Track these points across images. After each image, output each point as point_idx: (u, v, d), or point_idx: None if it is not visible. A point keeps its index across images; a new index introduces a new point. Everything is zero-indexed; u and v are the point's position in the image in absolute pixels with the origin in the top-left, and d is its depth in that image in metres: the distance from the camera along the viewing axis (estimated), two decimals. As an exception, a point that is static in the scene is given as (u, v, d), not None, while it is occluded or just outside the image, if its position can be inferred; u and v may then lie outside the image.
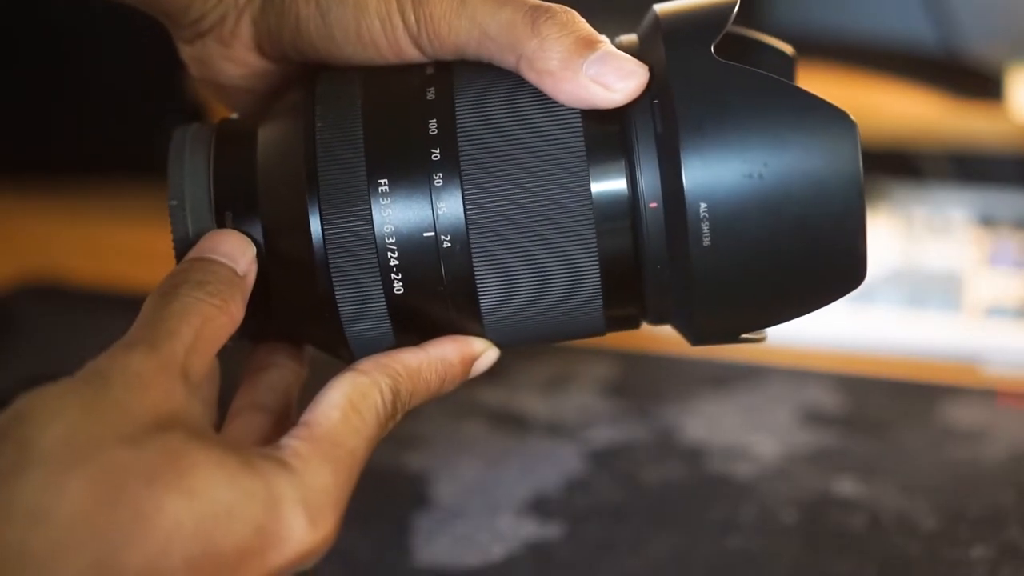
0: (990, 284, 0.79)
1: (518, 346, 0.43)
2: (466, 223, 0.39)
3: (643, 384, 0.71)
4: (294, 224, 0.40)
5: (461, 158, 0.39)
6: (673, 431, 0.66)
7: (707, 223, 0.38)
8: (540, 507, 0.59)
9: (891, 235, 0.83)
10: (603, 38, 0.41)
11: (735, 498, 0.59)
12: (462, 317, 0.41)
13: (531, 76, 0.40)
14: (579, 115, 0.39)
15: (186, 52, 0.46)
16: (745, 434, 0.65)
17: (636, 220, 0.39)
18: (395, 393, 0.41)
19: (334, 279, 0.40)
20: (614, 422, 0.66)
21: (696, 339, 0.42)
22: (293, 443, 0.38)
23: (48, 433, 0.33)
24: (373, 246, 0.40)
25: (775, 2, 1.03)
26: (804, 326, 0.78)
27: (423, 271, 0.40)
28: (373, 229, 0.39)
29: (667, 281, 0.40)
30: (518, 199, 0.39)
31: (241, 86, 0.46)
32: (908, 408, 0.68)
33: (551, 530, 0.57)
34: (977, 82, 0.93)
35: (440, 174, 0.39)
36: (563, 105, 0.40)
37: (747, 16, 1.11)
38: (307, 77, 0.42)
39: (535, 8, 0.40)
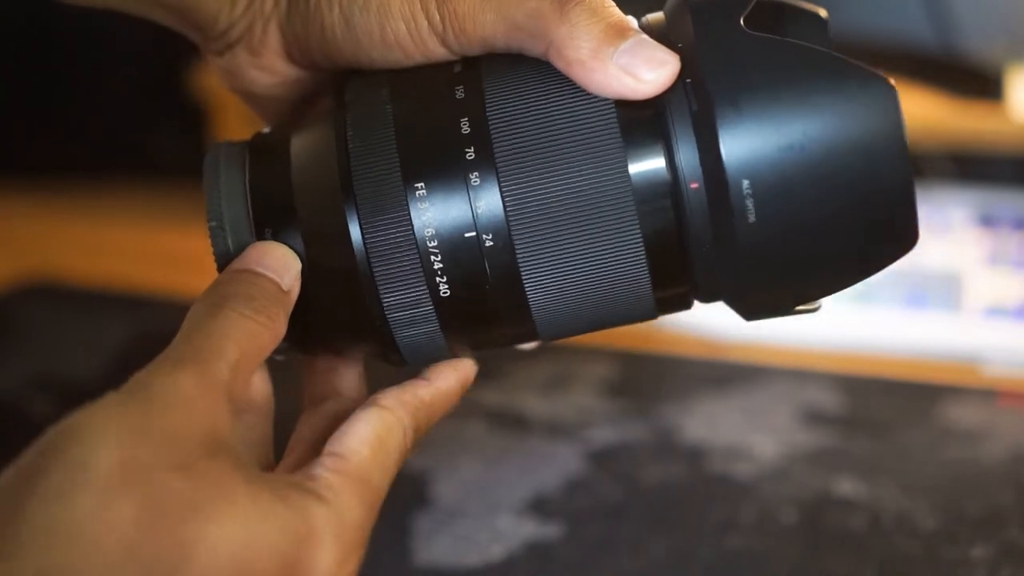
0: (990, 284, 0.79)
1: (569, 336, 0.43)
2: (507, 219, 0.39)
3: (643, 384, 0.71)
4: (334, 236, 0.40)
5: (496, 155, 0.39)
6: (673, 431, 0.66)
7: (751, 199, 0.37)
8: (540, 507, 0.59)
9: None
10: (634, 23, 0.40)
11: (735, 498, 0.59)
12: (510, 313, 0.41)
13: (560, 64, 0.39)
14: (612, 101, 0.39)
15: (217, 64, 0.46)
16: (745, 434, 0.65)
17: (678, 201, 0.39)
18: (415, 430, 0.41)
19: (380, 288, 0.40)
20: (614, 422, 0.66)
21: (749, 315, 0.42)
22: (326, 475, 0.38)
23: (98, 456, 0.33)
24: (416, 251, 0.40)
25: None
26: (804, 326, 0.78)
27: (468, 271, 0.40)
28: (414, 234, 0.39)
29: (715, 259, 0.40)
30: (557, 191, 0.39)
31: (274, 95, 0.46)
32: (908, 408, 0.68)
33: (551, 530, 0.57)
34: (977, 82, 0.93)
35: (476, 173, 0.39)
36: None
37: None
38: (335, 85, 0.42)
39: None
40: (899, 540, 0.56)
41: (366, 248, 0.40)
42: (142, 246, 0.97)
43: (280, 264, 0.40)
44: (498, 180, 0.39)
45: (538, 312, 0.41)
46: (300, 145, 0.42)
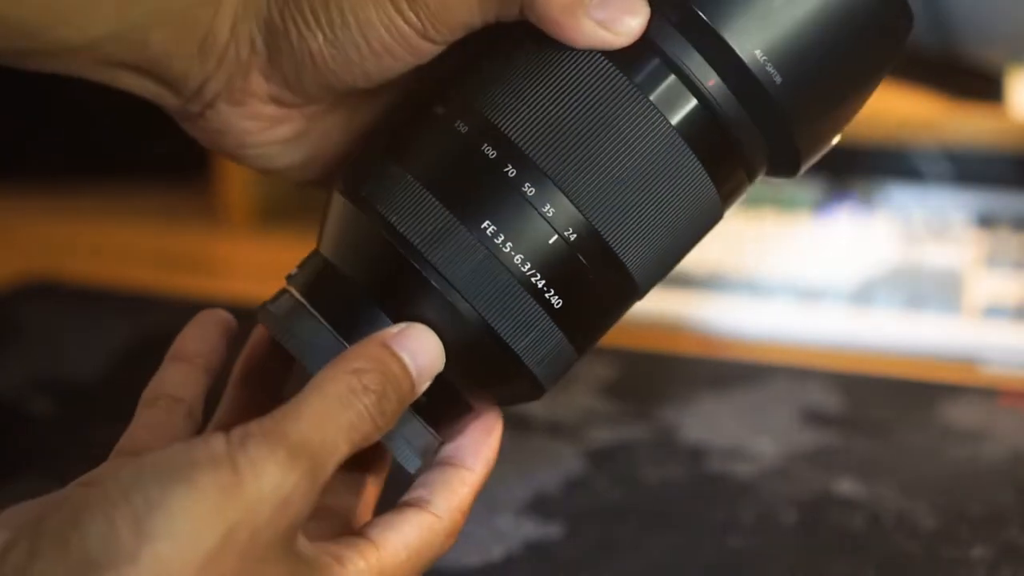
0: (989, 284, 0.79)
1: (663, 278, 0.44)
2: (576, 207, 0.40)
3: (643, 384, 0.71)
4: (437, 316, 0.40)
5: (533, 157, 0.40)
6: (673, 431, 0.66)
7: (770, 64, 0.40)
8: (540, 507, 0.59)
9: (890, 235, 0.83)
10: None
11: (735, 498, 0.59)
12: (616, 285, 0.42)
13: (533, 19, 0.40)
14: (602, 55, 0.40)
15: (202, 128, 0.45)
16: (745, 434, 0.65)
17: (707, 104, 0.41)
18: (458, 530, 0.42)
19: (508, 339, 0.40)
20: (614, 422, 0.66)
21: (798, 168, 0.44)
22: (361, 565, 0.39)
23: (190, 553, 0.34)
24: (518, 286, 0.40)
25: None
26: (804, 326, 0.78)
27: (569, 273, 0.40)
28: (508, 271, 0.40)
29: (758, 135, 0.42)
30: (603, 156, 0.40)
31: (268, 140, 0.45)
32: (908, 408, 0.68)
33: (551, 530, 0.57)
34: (976, 82, 0.93)
35: (527, 183, 0.40)
36: (580, 51, 0.40)
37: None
38: (339, 190, 0.42)
39: None
40: (899, 540, 0.56)
41: (475, 308, 0.40)
42: (142, 246, 0.97)
43: (428, 366, 0.40)
44: (549, 177, 0.40)
45: (637, 272, 0.42)
46: (347, 258, 0.42)
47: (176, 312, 0.81)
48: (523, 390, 0.43)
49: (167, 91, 0.44)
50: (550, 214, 0.40)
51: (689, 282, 0.82)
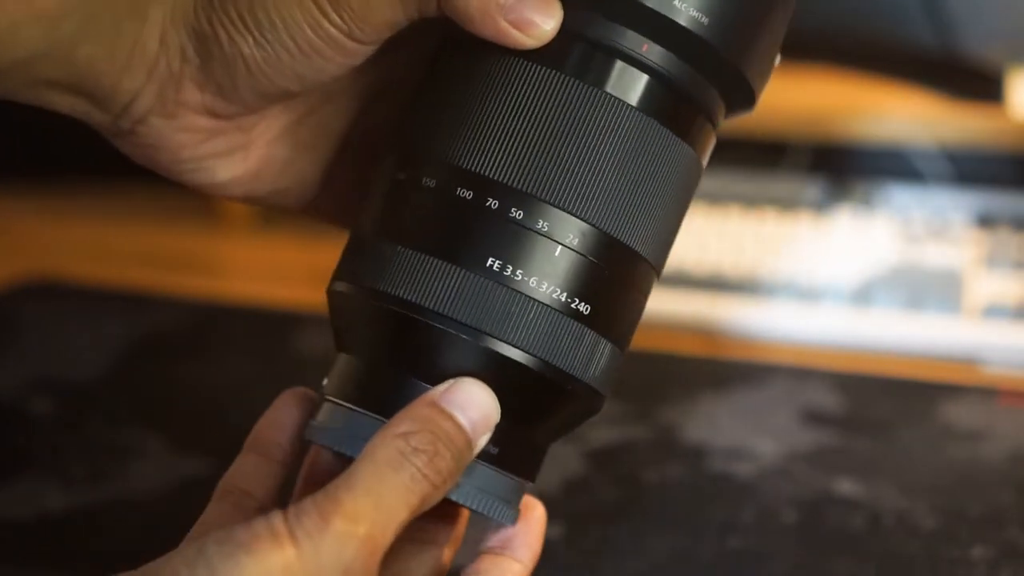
0: (989, 284, 0.79)
1: (671, 247, 0.44)
2: (567, 212, 0.40)
3: (643, 384, 0.71)
4: (477, 366, 0.40)
5: (508, 184, 0.40)
6: (673, 431, 0.66)
7: (692, 9, 0.40)
8: (540, 507, 0.59)
9: (890, 235, 0.83)
10: None
11: (735, 498, 0.59)
12: (632, 271, 0.42)
13: (450, 14, 0.40)
14: (533, 58, 0.40)
15: (133, 145, 0.44)
16: (745, 434, 0.65)
17: (651, 71, 0.41)
18: None
19: (548, 359, 0.40)
20: (614, 422, 0.66)
21: (754, 98, 0.44)
22: None
23: None
24: (543, 307, 0.40)
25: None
26: (804, 326, 0.78)
27: (585, 277, 0.40)
28: (529, 297, 0.40)
29: (705, 80, 0.42)
30: (573, 157, 0.40)
31: (204, 154, 0.44)
32: (908, 408, 0.68)
33: (551, 530, 0.57)
34: (976, 82, 0.93)
35: (512, 209, 0.40)
36: (515, 55, 0.40)
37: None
38: (337, 288, 0.42)
39: None
40: (899, 540, 0.56)
41: (513, 345, 0.40)
42: (142, 246, 0.97)
43: (481, 420, 0.39)
44: (531, 195, 0.40)
45: (645, 250, 0.42)
46: (370, 345, 0.41)
47: (176, 312, 0.82)
48: (584, 406, 0.43)
49: (96, 108, 0.43)
50: (545, 228, 0.40)
51: (689, 282, 0.82)
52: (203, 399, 0.71)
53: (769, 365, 0.73)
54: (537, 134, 0.40)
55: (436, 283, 0.40)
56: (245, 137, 0.44)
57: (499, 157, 0.40)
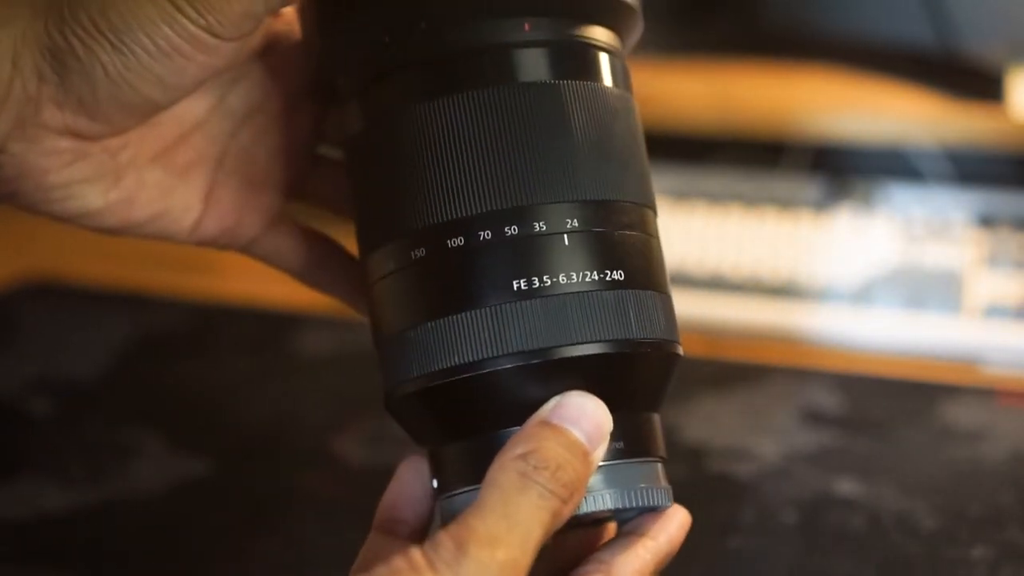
0: (989, 284, 0.79)
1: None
2: (551, 202, 0.40)
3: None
4: (560, 383, 0.39)
5: (490, 210, 0.39)
6: (673, 431, 0.66)
7: None
8: (540, 507, 0.58)
9: (891, 235, 0.83)
10: None
11: (735, 498, 0.59)
12: (635, 220, 0.42)
13: None
14: (442, 94, 0.40)
15: None
16: (745, 434, 0.65)
17: (543, 43, 0.41)
18: None
19: (620, 338, 0.40)
20: (614, 422, 0.66)
21: (635, 11, 0.44)
22: None
23: None
24: (585, 296, 0.39)
25: (775, 2, 1.03)
26: (804, 326, 0.78)
27: (601, 249, 0.40)
28: (567, 294, 0.39)
29: (590, 21, 0.42)
30: (524, 154, 0.40)
31: (69, 179, 0.43)
32: (908, 408, 0.68)
33: (551, 530, 0.57)
34: (977, 82, 0.93)
35: (504, 228, 0.39)
36: (424, 102, 0.40)
37: (746, 16, 1.10)
38: (391, 409, 0.42)
39: None
40: (899, 540, 0.56)
41: (584, 341, 0.39)
42: (142, 246, 0.97)
43: (595, 430, 0.39)
44: (516, 205, 0.39)
45: (637, 198, 0.42)
46: (444, 429, 0.41)
47: (176, 312, 0.82)
48: (667, 360, 0.42)
49: None
50: (544, 228, 0.39)
51: (689, 282, 0.82)
52: (203, 399, 0.71)
53: (769, 365, 0.73)
54: (486, 155, 0.40)
55: (479, 333, 0.39)
56: (113, 161, 0.43)
57: (467, 193, 0.40)
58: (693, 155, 0.91)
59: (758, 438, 0.65)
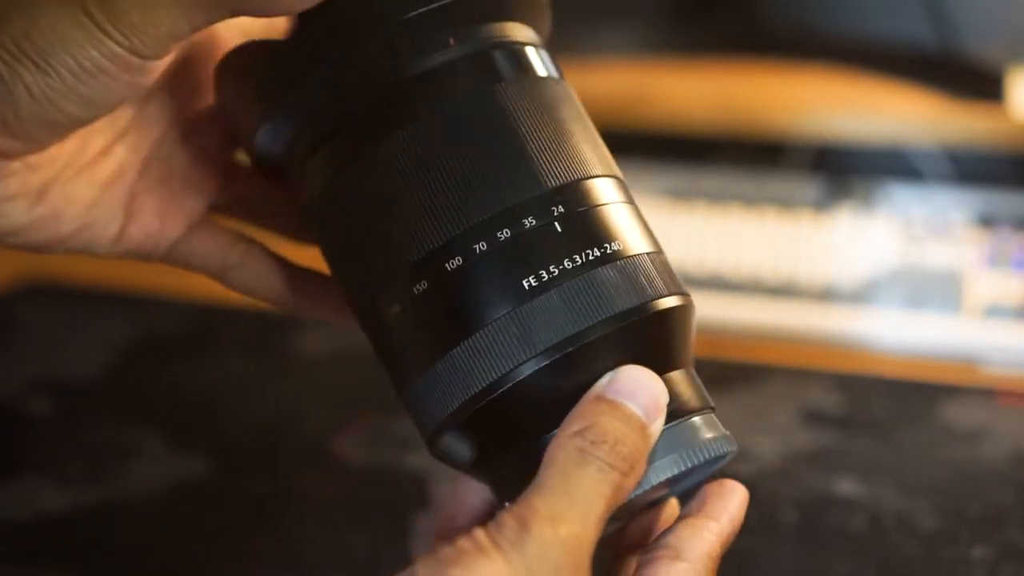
0: (989, 284, 0.79)
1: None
2: (533, 196, 0.40)
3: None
4: (597, 364, 0.39)
5: (478, 223, 0.40)
6: (673, 431, 0.65)
7: None
8: (540, 507, 0.58)
9: (891, 235, 0.83)
10: None
11: (735, 498, 0.59)
12: (610, 189, 0.42)
13: (255, 12, 0.40)
14: (394, 129, 0.40)
15: None
16: (745, 434, 0.65)
17: (472, 54, 0.42)
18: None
19: (634, 306, 0.40)
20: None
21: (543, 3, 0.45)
22: None
23: None
24: (589, 275, 0.39)
25: (775, 2, 1.03)
26: (804, 326, 0.78)
27: (587, 225, 0.40)
28: (573, 280, 0.39)
29: (506, 20, 0.43)
30: (493, 161, 0.40)
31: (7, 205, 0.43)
32: (908, 408, 0.68)
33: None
34: (977, 82, 0.93)
35: (496, 233, 0.39)
36: (379, 145, 0.40)
37: (746, 16, 1.10)
38: (435, 453, 0.42)
39: None
40: (899, 540, 0.56)
41: (602, 319, 0.39)
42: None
43: (651, 403, 0.39)
44: (498, 212, 0.40)
45: (604, 170, 0.42)
46: (490, 449, 0.41)
47: (176, 312, 0.82)
48: (682, 313, 0.42)
49: None
50: (534, 223, 0.40)
51: (689, 282, 0.82)
52: (203, 399, 0.71)
53: (769, 365, 0.73)
54: (458, 172, 0.40)
55: (507, 341, 0.39)
56: (37, 177, 0.43)
57: (450, 215, 0.40)
58: (693, 155, 0.91)
59: (758, 438, 0.65)
